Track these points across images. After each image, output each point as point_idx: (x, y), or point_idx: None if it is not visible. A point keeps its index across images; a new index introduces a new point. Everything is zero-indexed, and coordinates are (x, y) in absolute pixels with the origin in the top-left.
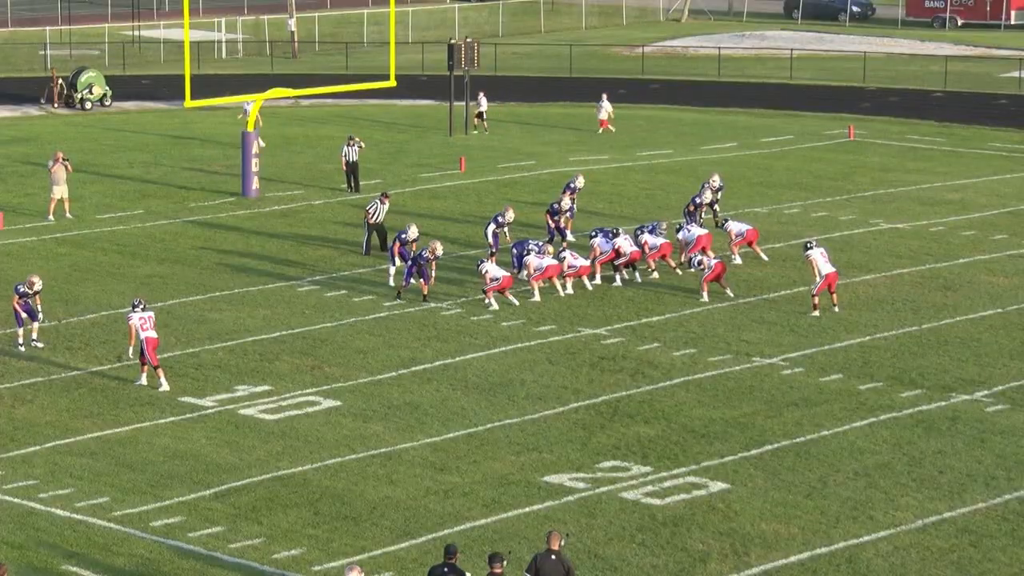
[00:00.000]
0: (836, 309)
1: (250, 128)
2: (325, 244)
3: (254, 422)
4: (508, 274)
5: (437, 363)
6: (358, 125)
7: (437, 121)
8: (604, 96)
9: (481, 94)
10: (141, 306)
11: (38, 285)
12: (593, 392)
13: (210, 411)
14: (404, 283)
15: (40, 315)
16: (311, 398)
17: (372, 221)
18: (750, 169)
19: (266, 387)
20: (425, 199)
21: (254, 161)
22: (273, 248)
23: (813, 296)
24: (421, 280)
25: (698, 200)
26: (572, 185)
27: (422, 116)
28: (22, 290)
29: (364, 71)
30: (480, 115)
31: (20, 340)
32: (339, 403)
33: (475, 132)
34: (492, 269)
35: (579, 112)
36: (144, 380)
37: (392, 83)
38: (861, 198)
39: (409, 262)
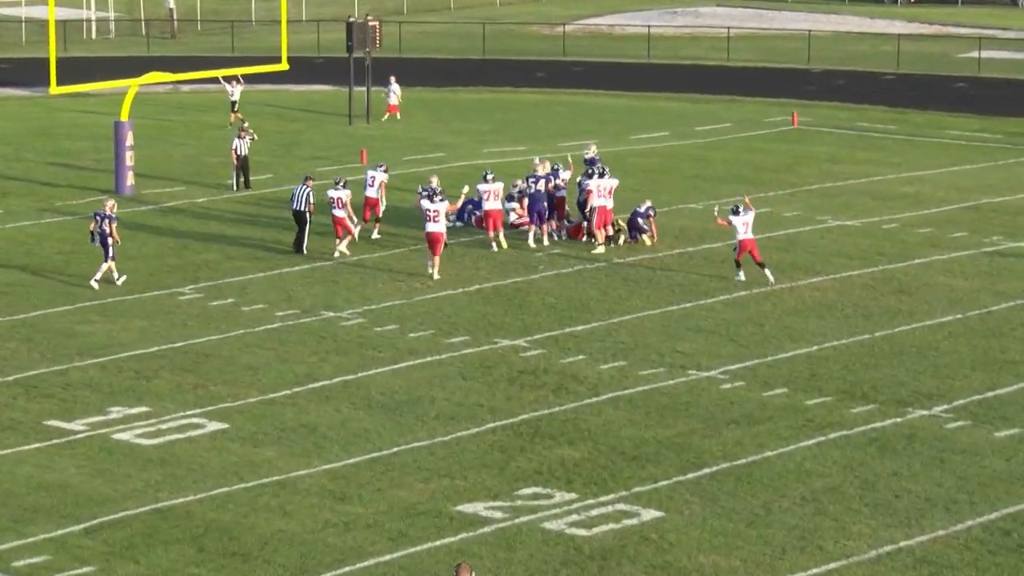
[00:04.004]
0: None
1: (124, 117)
2: (209, 247)
3: (130, 448)
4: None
5: (336, 379)
6: (246, 113)
7: (335, 109)
8: (393, 79)
9: (235, 80)
10: (341, 183)
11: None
12: (511, 411)
13: (80, 436)
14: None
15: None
16: (194, 420)
17: (313, 209)
18: (684, 160)
19: (143, 408)
20: (320, 193)
21: (128, 154)
22: (150, 252)
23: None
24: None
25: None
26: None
27: (318, 103)
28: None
29: (252, 53)
30: (233, 104)
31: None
32: (226, 426)
33: (230, 125)
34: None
35: (495, 98)
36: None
37: (284, 66)
38: (806, 192)
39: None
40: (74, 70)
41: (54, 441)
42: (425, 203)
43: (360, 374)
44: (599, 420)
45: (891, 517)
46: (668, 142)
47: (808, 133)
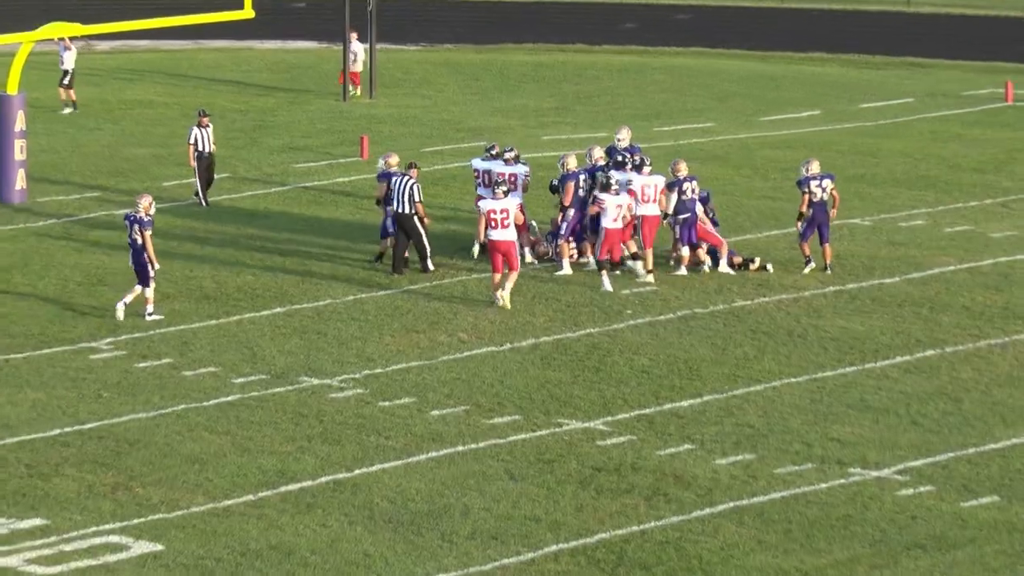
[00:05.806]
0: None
1: (12, 89)
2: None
3: None
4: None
5: (323, 479)
6: (191, 85)
7: (322, 76)
8: (354, 36)
9: (65, 43)
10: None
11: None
12: (583, 527)
13: None
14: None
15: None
16: (113, 539)
17: (423, 211)
18: (843, 154)
19: (38, 521)
20: (302, 205)
21: (17, 146)
22: (50, 288)
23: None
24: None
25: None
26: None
27: (298, 68)
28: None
29: None
30: (65, 75)
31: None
32: (159, 547)
33: (68, 111)
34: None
35: (560, 60)
36: None
37: (248, 13)
38: None
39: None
40: None
41: None
42: (486, 203)
43: (357, 471)
44: (715, 542)
45: None
46: (819, 126)
47: None
